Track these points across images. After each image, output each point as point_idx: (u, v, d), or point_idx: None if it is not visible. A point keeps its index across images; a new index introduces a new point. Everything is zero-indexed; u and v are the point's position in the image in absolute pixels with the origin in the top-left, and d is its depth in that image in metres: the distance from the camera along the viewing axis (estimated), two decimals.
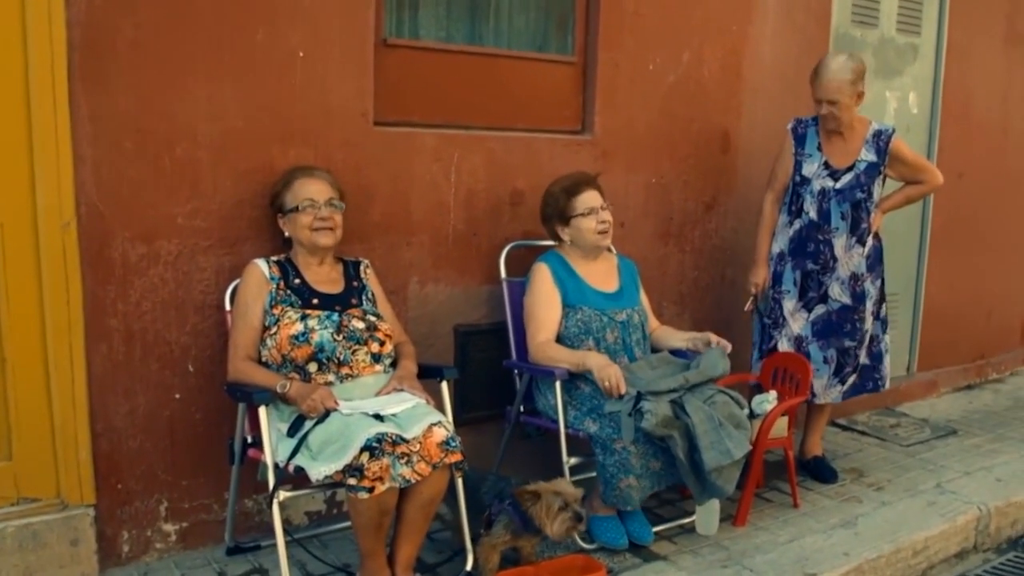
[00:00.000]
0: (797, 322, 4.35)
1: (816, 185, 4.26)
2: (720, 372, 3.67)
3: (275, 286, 3.26)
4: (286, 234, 3.38)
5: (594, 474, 3.60)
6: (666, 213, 4.60)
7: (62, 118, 3.03)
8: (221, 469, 3.44)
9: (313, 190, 3.31)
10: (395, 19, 3.84)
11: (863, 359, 4.43)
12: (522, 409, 3.89)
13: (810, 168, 4.29)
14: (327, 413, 3.01)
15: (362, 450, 2.82)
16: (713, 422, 3.43)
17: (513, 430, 3.95)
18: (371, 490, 2.83)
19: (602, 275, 3.89)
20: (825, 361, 4.33)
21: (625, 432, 3.40)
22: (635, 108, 4.41)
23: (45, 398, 3.16)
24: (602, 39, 4.26)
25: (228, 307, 3.36)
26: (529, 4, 4.22)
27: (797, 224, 4.32)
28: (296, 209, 3.29)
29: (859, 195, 4.21)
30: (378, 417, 2.99)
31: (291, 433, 3.05)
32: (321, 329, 3.18)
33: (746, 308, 4.50)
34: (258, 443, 3.18)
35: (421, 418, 3.02)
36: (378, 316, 3.36)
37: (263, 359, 3.24)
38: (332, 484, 2.97)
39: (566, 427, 3.62)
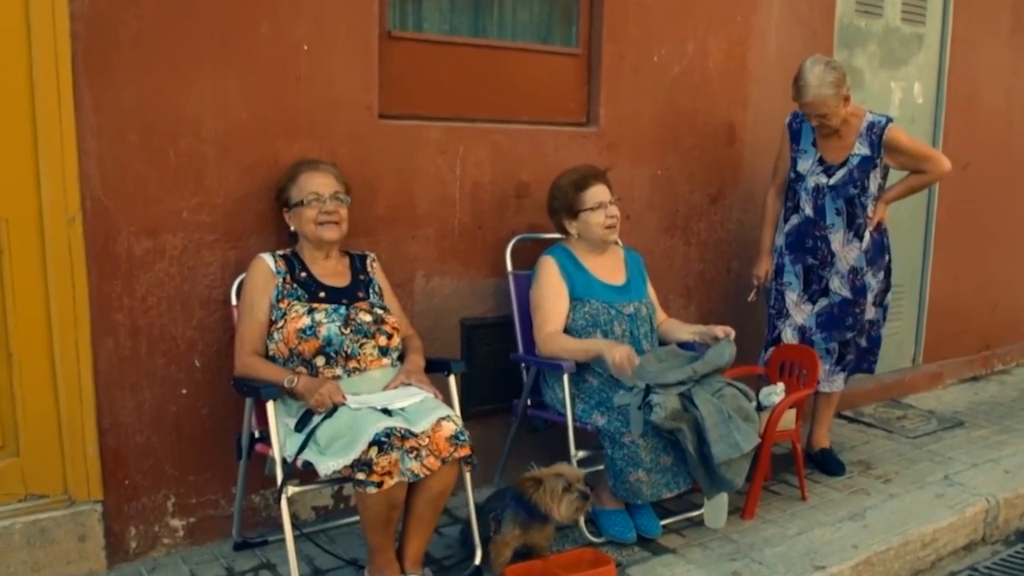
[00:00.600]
0: (802, 313, 4.35)
1: (811, 182, 4.25)
2: (727, 360, 3.66)
3: (281, 280, 3.25)
4: (292, 228, 3.36)
5: (602, 467, 3.59)
6: (672, 206, 4.59)
7: (66, 112, 3.01)
8: (228, 464, 3.43)
9: (318, 184, 3.29)
10: (399, 11, 3.82)
11: (862, 343, 4.44)
12: (529, 402, 3.88)
13: (805, 164, 4.27)
14: (335, 408, 3.00)
15: (371, 445, 2.81)
16: (722, 415, 3.41)
17: (520, 423, 3.95)
18: (380, 485, 2.82)
19: (609, 268, 3.88)
20: (828, 352, 4.33)
21: (634, 425, 3.38)
22: (640, 100, 4.39)
23: (51, 394, 3.15)
24: (606, 30, 4.24)
25: (234, 302, 3.35)
26: None
27: (795, 220, 4.32)
28: (301, 203, 3.27)
29: (852, 191, 4.19)
30: (386, 411, 2.98)
31: (299, 428, 3.04)
32: (328, 323, 3.17)
33: (749, 298, 4.51)
34: (265, 438, 3.16)
35: (430, 412, 3.01)
36: (385, 309, 3.35)
37: (270, 353, 3.22)
38: (340, 479, 2.96)
39: (574, 420, 3.60)
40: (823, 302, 4.32)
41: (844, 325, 4.30)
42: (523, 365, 3.91)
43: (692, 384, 3.49)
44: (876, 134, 4.17)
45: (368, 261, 3.49)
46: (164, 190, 3.24)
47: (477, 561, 3.31)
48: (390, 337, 3.30)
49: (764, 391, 3.93)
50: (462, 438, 3.00)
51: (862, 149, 4.18)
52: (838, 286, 4.27)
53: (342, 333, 3.17)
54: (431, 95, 3.89)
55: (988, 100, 6.11)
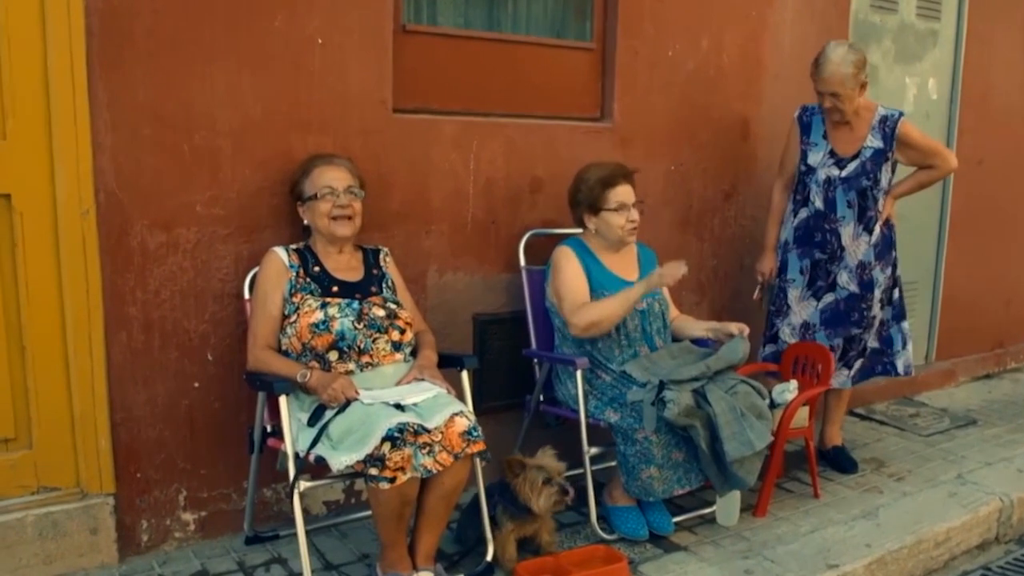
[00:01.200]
0: (804, 310, 4.33)
1: (822, 174, 4.23)
2: (740, 356, 3.64)
3: (294, 274, 3.24)
4: (305, 222, 3.36)
5: (614, 463, 3.58)
6: (685, 201, 4.57)
7: (81, 105, 3.01)
8: (240, 458, 3.43)
9: (332, 177, 3.28)
10: (413, 5, 3.81)
11: (874, 344, 4.41)
12: (541, 398, 3.87)
13: (815, 157, 4.25)
14: (347, 403, 2.99)
15: (384, 440, 2.80)
16: (735, 412, 3.40)
17: (532, 419, 3.94)
18: (393, 480, 2.81)
19: (623, 264, 3.85)
20: (832, 348, 4.29)
21: (647, 422, 3.37)
22: (654, 95, 4.37)
23: (65, 387, 3.15)
24: (621, 25, 4.21)
25: (247, 296, 3.34)
26: None
27: (804, 213, 4.30)
28: (315, 196, 3.26)
29: (865, 183, 4.17)
30: (399, 407, 2.97)
31: (311, 423, 3.03)
32: (341, 317, 3.16)
33: (754, 296, 4.49)
34: (278, 432, 3.16)
35: (443, 408, 3.01)
36: (398, 304, 3.34)
37: (283, 347, 3.22)
38: (352, 474, 2.96)
39: (587, 416, 3.59)
40: (828, 298, 4.29)
41: (850, 321, 4.28)
42: (536, 361, 3.90)
43: (706, 381, 3.48)
44: (890, 127, 4.17)
45: (381, 255, 3.48)
46: (178, 184, 3.23)
47: (489, 557, 3.30)
48: (403, 332, 3.29)
49: (777, 388, 3.91)
50: (475, 434, 3.00)
51: (875, 142, 4.17)
52: (846, 281, 4.25)
53: (355, 328, 3.16)
54: (445, 89, 3.88)
55: (1003, 96, 6.07)
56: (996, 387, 6.15)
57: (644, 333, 3.78)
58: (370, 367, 3.20)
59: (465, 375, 3.39)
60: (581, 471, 3.62)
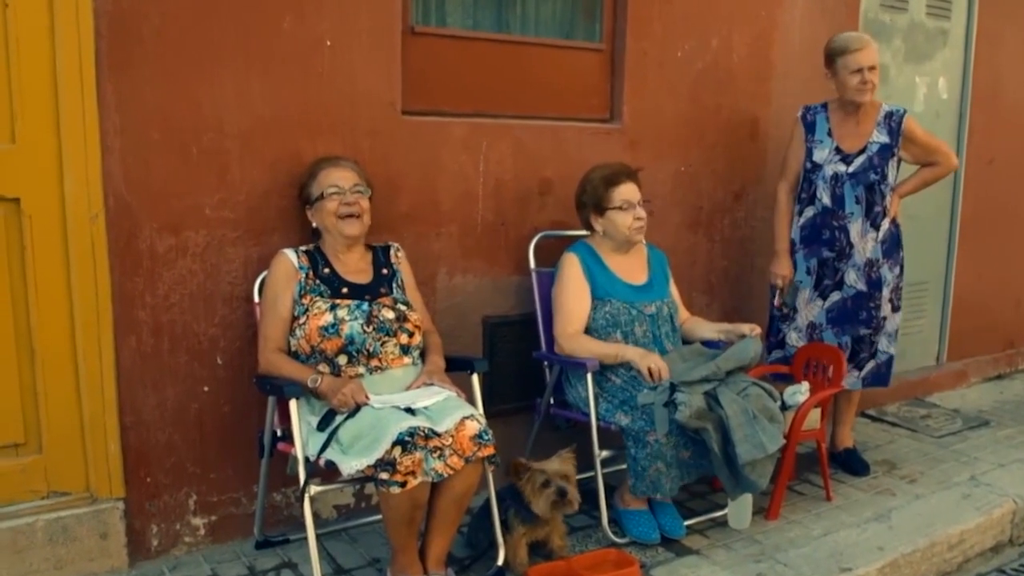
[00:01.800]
0: (811, 311, 4.31)
1: (828, 170, 4.21)
2: (751, 356, 3.63)
3: (304, 276, 3.23)
4: (314, 225, 3.34)
5: (625, 466, 3.56)
6: (695, 202, 4.55)
7: (89, 109, 3.01)
8: (250, 462, 3.42)
9: (337, 177, 3.27)
10: (422, 7, 3.80)
11: (886, 347, 4.37)
12: (552, 401, 3.86)
13: (821, 154, 4.24)
14: (358, 407, 2.98)
15: (394, 444, 2.79)
16: (747, 415, 3.38)
17: (543, 422, 3.92)
18: (403, 484, 2.80)
19: (632, 267, 3.84)
20: (840, 347, 4.27)
21: (659, 424, 3.35)
22: (663, 96, 4.36)
23: (74, 392, 3.14)
24: (630, 26, 4.20)
25: (256, 298, 3.33)
26: None
27: (810, 212, 4.28)
28: (321, 196, 3.25)
29: (872, 177, 4.16)
30: (409, 411, 2.96)
31: (321, 427, 3.02)
32: (351, 320, 3.14)
33: (776, 303, 4.41)
34: (288, 437, 3.14)
35: (453, 411, 2.99)
36: (408, 305, 3.32)
37: (292, 349, 3.21)
38: (363, 478, 2.94)
39: (597, 419, 3.57)
40: (835, 296, 4.27)
41: (858, 319, 4.26)
42: (546, 363, 3.89)
43: (717, 383, 3.46)
44: (895, 122, 4.19)
45: (392, 251, 3.47)
46: (186, 187, 3.22)
47: (500, 561, 3.28)
48: (411, 335, 3.28)
49: (789, 390, 3.88)
50: (486, 437, 2.98)
51: (881, 136, 4.17)
52: (854, 279, 4.23)
53: (364, 331, 3.15)
54: (454, 91, 3.86)
55: (1014, 95, 6.04)
56: (1008, 387, 6.12)
57: (654, 337, 3.76)
58: (379, 370, 3.18)
59: (475, 378, 3.38)
60: (592, 474, 3.61)
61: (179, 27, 3.13)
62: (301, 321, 3.17)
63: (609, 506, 3.63)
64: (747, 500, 3.67)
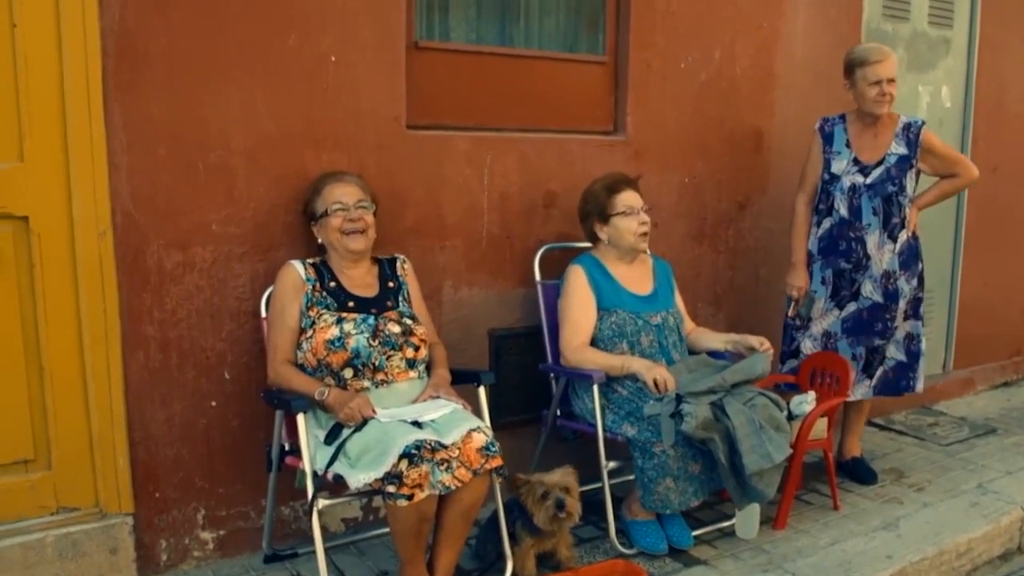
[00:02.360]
0: (825, 320, 4.31)
1: (846, 182, 4.22)
2: (759, 373, 3.63)
3: (311, 287, 3.24)
4: (319, 240, 3.36)
5: (633, 477, 3.56)
6: (700, 213, 4.56)
7: (97, 126, 3.03)
8: (258, 476, 3.42)
9: (341, 193, 3.29)
10: (425, 21, 3.82)
11: (899, 356, 4.37)
12: (558, 413, 3.86)
13: (839, 165, 4.25)
14: (365, 421, 2.99)
15: (401, 457, 2.80)
16: (754, 425, 3.38)
17: (549, 434, 3.93)
18: (411, 497, 2.80)
19: (637, 277, 3.85)
20: (854, 358, 4.28)
21: (666, 435, 3.36)
22: (667, 107, 4.37)
23: (83, 407, 3.16)
24: (634, 38, 4.22)
25: (264, 313, 3.35)
26: (559, 4, 4.19)
27: (827, 223, 4.28)
28: (326, 213, 3.27)
29: (890, 188, 4.17)
30: (416, 424, 2.97)
31: (328, 441, 3.03)
32: (357, 334, 3.16)
33: (790, 314, 4.41)
34: (296, 451, 3.16)
35: (460, 424, 3.00)
36: (414, 319, 3.34)
37: (299, 362, 3.22)
38: (370, 491, 2.95)
39: (604, 431, 3.58)
40: (851, 307, 4.27)
41: (873, 331, 4.26)
42: (552, 375, 3.89)
43: (723, 394, 3.46)
44: (914, 133, 4.20)
45: (398, 264, 3.48)
46: (193, 203, 3.24)
47: (508, 573, 3.29)
48: (417, 349, 3.29)
49: (795, 400, 3.89)
50: (493, 449, 2.99)
51: (899, 148, 4.18)
52: (870, 290, 4.23)
53: (370, 345, 3.16)
54: (458, 105, 3.89)
55: (1017, 103, 6.04)
56: (1015, 395, 6.11)
57: (661, 347, 3.76)
58: (384, 384, 3.19)
59: (482, 391, 3.39)
60: (599, 485, 3.61)
61: (185, 45, 3.16)
62: (308, 334, 3.18)
63: (617, 517, 3.63)
64: (754, 510, 3.67)
